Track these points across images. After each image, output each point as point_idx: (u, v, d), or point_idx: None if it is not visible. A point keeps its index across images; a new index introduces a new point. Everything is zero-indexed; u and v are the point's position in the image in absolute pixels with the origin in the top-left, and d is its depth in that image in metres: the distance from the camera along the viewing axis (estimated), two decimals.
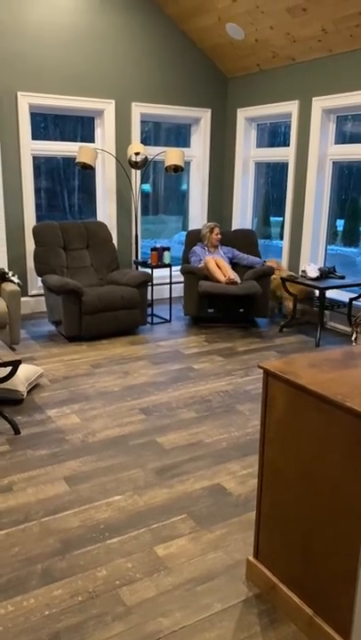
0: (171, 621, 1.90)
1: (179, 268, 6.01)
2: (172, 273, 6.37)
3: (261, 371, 2.43)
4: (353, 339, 4.56)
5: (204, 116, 6.47)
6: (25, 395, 3.65)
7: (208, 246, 5.65)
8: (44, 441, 3.15)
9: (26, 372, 3.76)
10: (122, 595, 2.02)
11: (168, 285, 6.39)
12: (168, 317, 5.78)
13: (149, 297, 6.23)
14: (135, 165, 5.72)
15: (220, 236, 5.65)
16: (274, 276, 5.65)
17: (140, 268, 5.96)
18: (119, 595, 2.02)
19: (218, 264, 5.40)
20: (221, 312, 5.45)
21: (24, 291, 5.78)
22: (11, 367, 3.15)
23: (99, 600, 1.99)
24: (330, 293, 5.51)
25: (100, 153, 5.93)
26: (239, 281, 5.33)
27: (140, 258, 6.15)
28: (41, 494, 2.64)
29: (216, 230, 5.63)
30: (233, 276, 5.30)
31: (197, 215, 6.80)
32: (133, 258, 6.20)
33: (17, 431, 3.23)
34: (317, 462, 1.72)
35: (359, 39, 4.76)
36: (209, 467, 2.90)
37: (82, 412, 3.52)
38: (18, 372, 3.67)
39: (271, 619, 1.92)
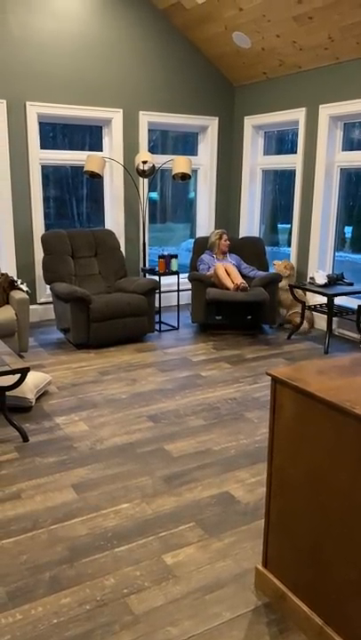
0: (179, 630, 1.89)
1: (186, 275, 6.02)
2: (180, 280, 6.38)
3: (270, 378, 2.41)
4: None
5: (212, 124, 6.50)
6: (33, 402, 3.66)
7: (217, 253, 5.66)
8: (53, 448, 3.15)
9: (34, 379, 3.77)
10: (130, 603, 2.01)
11: (176, 293, 6.39)
12: (176, 325, 5.78)
13: (157, 304, 6.23)
14: (143, 174, 5.75)
15: (228, 243, 5.66)
16: (281, 284, 5.64)
17: (147, 275, 5.97)
18: (127, 603, 2.01)
19: (227, 270, 5.40)
20: (229, 319, 5.45)
21: (33, 299, 5.81)
22: (19, 375, 3.16)
23: (107, 608, 1.98)
24: (338, 300, 5.49)
25: (108, 162, 5.97)
26: (247, 287, 5.33)
27: (147, 265, 6.17)
28: (49, 502, 2.63)
29: (225, 237, 5.64)
30: (242, 282, 5.30)
31: (205, 223, 6.82)
32: (141, 265, 6.22)
33: (25, 438, 3.23)
34: (326, 469, 1.71)
35: None
36: (217, 474, 2.89)
37: (90, 420, 3.52)
38: (26, 379, 3.68)
39: (280, 628, 1.90)
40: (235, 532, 2.41)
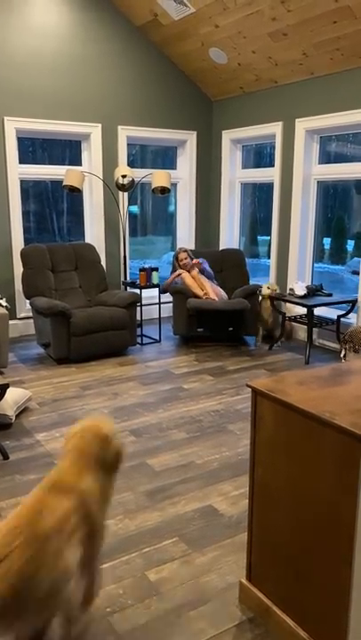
0: None
1: None
2: (161, 293, 6.37)
3: None
4: (342, 355, 4.58)
5: (190, 138, 6.56)
6: (13, 419, 3.61)
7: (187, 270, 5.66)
8: (33, 465, 3.11)
9: (14, 395, 3.73)
10: (113, 622, 1.97)
11: (157, 305, 6.39)
12: (158, 337, 5.77)
13: (138, 317, 6.22)
14: (122, 188, 5.76)
15: (186, 261, 5.62)
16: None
17: (128, 288, 5.97)
18: (110, 622, 1.97)
19: (202, 285, 5.41)
20: (211, 331, 5.46)
21: (12, 314, 5.76)
22: None
23: (89, 628, 1.94)
24: (318, 311, 5.53)
25: (88, 176, 5.97)
26: (226, 297, 5.35)
27: (128, 278, 6.16)
28: None
29: (180, 256, 5.66)
30: (219, 291, 5.31)
31: (185, 235, 6.85)
32: (122, 279, 6.21)
33: (5, 456, 3.18)
34: (307, 481, 1.71)
35: (339, 62, 4.87)
36: (200, 488, 2.87)
37: None
38: (6, 395, 3.63)
39: None
40: (218, 546, 2.39)
